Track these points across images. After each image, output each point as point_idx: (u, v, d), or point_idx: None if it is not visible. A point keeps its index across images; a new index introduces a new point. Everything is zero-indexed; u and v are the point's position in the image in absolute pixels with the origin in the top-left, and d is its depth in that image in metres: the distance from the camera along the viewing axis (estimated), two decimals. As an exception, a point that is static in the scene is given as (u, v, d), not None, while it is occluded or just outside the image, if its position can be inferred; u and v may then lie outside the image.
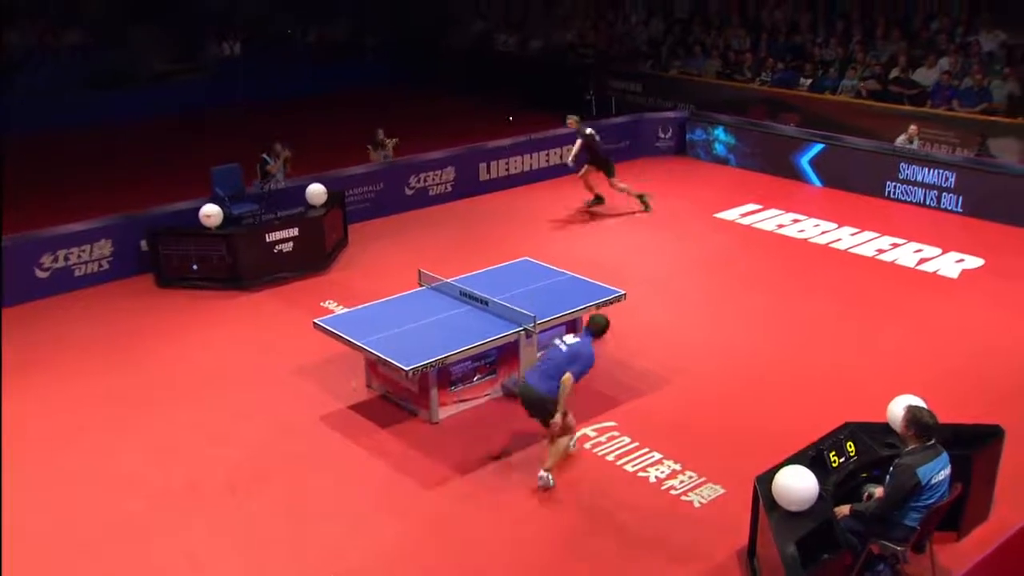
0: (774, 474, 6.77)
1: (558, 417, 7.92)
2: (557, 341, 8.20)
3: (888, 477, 6.64)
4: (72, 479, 8.52)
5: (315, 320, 9.72)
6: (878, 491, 6.88)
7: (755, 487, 7.01)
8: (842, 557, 6.39)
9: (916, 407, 6.69)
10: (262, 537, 7.67)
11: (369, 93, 24.93)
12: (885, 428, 7.55)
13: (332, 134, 20.22)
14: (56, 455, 8.91)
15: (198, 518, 7.92)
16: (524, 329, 9.19)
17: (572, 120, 15.00)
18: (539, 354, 8.66)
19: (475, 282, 10.20)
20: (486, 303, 9.59)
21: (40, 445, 9.03)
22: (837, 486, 6.97)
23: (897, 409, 7.39)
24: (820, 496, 6.61)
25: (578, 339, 8.16)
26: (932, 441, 6.62)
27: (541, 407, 7.99)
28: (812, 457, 7.07)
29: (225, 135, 20.57)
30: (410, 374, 8.62)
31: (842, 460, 7.19)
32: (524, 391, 8.13)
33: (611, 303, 9.94)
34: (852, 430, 7.44)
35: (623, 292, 10.06)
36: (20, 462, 8.69)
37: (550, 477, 8.08)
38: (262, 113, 22.50)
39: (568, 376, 7.87)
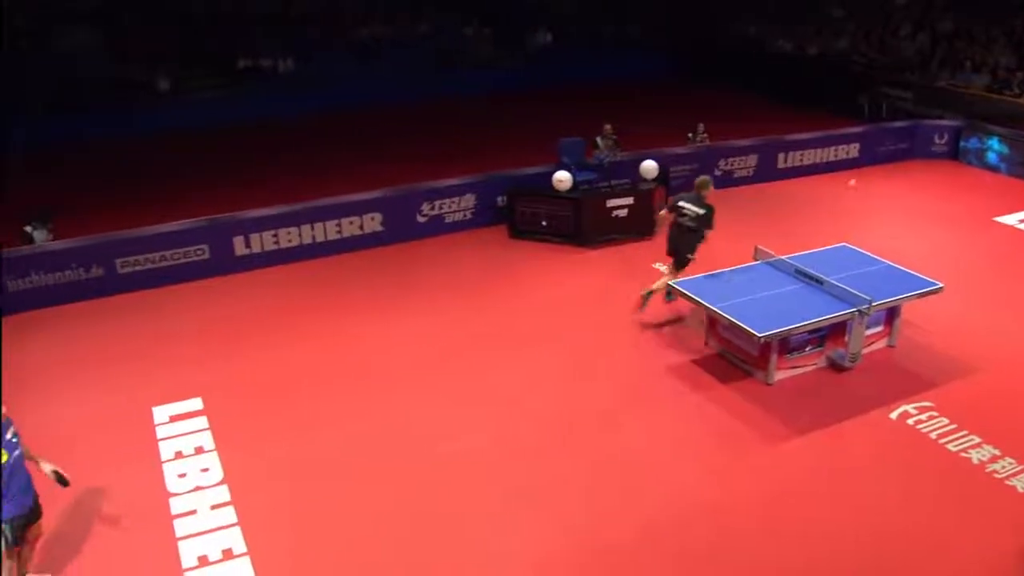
0: None
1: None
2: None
3: None
4: (457, 397, 8.58)
5: (670, 282, 9.55)
6: None
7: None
8: None
9: None
10: (634, 466, 7.60)
11: (654, 84, 24.30)
12: None
13: (629, 116, 19.82)
14: (437, 375, 8.99)
15: (577, 446, 7.85)
16: (858, 310, 8.62)
17: None
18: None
19: (802, 261, 9.68)
20: (821, 282, 9.07)
21: (420, 367, 9.13)
22: None
23: None
24: None
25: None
26: None
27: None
28: None
29: (544, 112, 20.54)
30: (760, 340, 8.28)
31: None
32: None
33: (929, 295, 9.22)
34: None
35: (941, 284, 9.27)
36: (404, 380, 8.87)
37: None
38: (574, 96, 22.22)
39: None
